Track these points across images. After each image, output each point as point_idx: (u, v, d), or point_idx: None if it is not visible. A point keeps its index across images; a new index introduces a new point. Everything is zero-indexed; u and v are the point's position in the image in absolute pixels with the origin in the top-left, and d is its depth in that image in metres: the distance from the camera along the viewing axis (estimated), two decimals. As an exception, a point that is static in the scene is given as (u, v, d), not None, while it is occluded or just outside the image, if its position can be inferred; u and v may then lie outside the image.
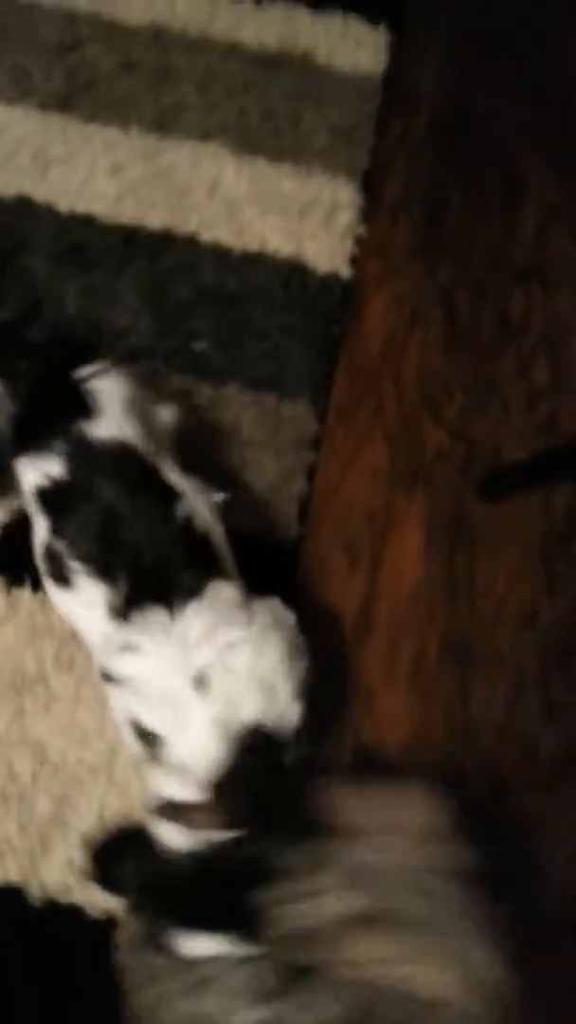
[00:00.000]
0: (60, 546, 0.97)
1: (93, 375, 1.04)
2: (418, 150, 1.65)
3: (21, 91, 1.68)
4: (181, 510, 0.97)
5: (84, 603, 0.96)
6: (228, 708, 0.90)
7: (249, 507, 1.28)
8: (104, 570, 0.94)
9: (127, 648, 0.93)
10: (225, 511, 1.19)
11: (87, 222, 1.52)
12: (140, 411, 1.05)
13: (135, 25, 1.77)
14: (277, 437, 1.33)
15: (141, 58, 1.74)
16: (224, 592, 0.95)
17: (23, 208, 1.53)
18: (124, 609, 0.93)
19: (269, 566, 1.24)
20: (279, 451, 1.32)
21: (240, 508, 1.26)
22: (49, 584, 1.03)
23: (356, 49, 1.74)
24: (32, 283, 1.46)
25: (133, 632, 0.92)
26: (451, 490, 1.37)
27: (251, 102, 1.69)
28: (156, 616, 0.92)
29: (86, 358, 1.07)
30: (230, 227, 1.52)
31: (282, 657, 0.94)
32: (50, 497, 0.98)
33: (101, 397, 1.02)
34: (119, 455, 0.98)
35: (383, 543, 1.32)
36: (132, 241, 1.50)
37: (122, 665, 0.94)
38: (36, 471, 0.98)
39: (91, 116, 1.66)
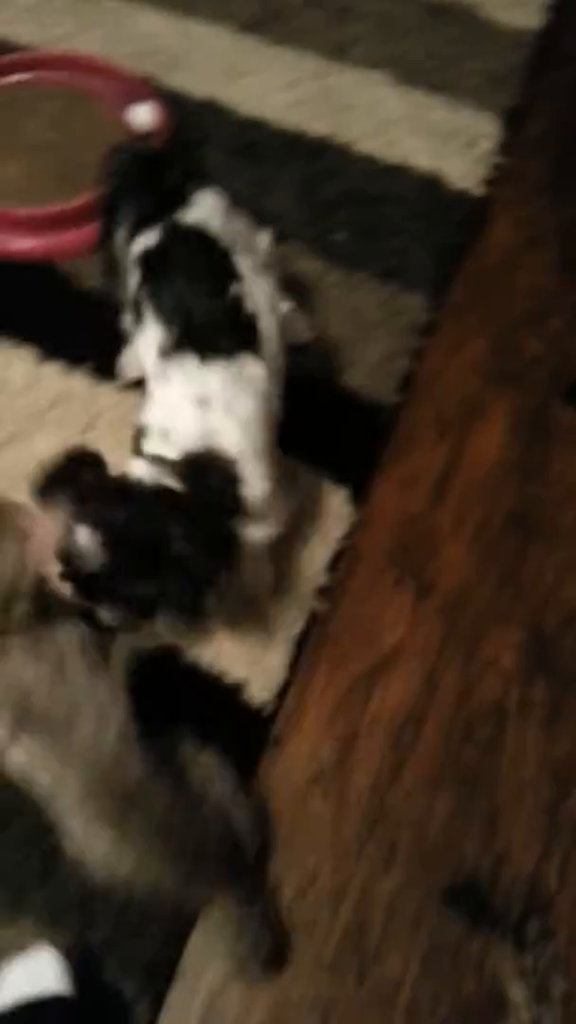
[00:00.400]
0: (142, 295, 1.15)
1: (201, 184, 1.21)
2: (561, 100, 1.74)
3: (221, 15, 1.85)
4: (233, 291, 1.12)
5: (146, 340, 1.14)
6: (213, 432, 1.06)
7: (359, 373, 1.41)
8: (165, 319, 1.12)
9: (163, 378, 1.10)
10: (337, 370, 1.34)
11: (260, 125, 1.69)
12: (232, 221, 1.21)
13: (326, -32, 1.92)
14: (393, 320, 1.46)
15: (326, -3, 1.88)
16: (249, 367, 1.11)
17: (211, 109, 1.72)
18: (170, 351, 1.11)
19: (366, 425, 1.38)
20: (392, 332, 1.45)
21: (351, 372, 1.41)
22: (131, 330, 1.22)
23: (517, 6, 1.84)
24: (208, 171, 1.61)
25: (170, 367, 1.10)
26: (540, 392, 1.47)
27: (417, 43, 1.82)
28: (189, 361, 1.09)
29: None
30: (381, 141, 1.65)
31: (268, 437, 1.10)
32: (145, 260, 1.17)
33: (201, 199, 1.19)
34: (198, 236, 1.15)
35: (470, 425, 1.43)
36: (295, 144, 1.66)
37: (156, 389, 1.11)
38: (143, 242, 1.17)
39: (277, 40, 1.82)
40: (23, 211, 1.54)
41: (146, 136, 1.55)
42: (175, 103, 1.69)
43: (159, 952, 1.04)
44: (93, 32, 1.83)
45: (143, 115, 1.66)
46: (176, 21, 1.86)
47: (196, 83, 1.75)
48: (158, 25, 1.86)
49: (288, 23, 1.86)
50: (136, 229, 1.18)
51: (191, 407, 1.06)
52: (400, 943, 1.06)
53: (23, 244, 1.54)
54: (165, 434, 1.06)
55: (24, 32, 1.83)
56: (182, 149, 1.27)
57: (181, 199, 1.18)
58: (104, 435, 1.34)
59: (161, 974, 1.04)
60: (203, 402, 1.07)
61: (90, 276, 1.49)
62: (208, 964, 1.05)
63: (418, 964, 1.05)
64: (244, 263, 1.16)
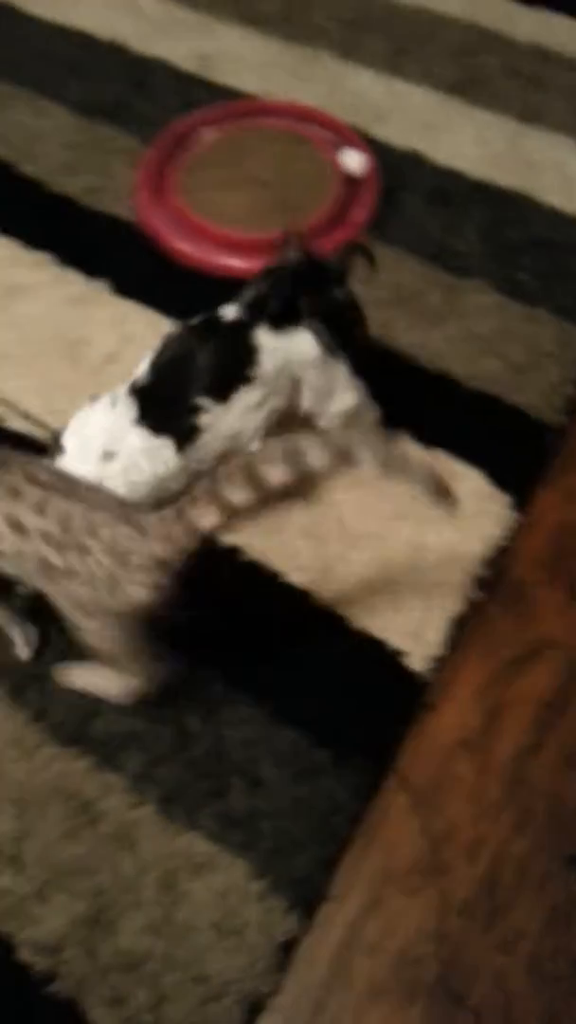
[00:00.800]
0: (171, 330, 1.27)
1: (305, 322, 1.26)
2: None
3: (426, 77, 2.02)
4: (202, 405, 1.22)
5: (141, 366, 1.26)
6: (105, 480, 1.19)
7: (530, 395, 1.52)
8: (152, 365, 1.24)
9: (116, 401, 1.24)
10: (510, 390, 1.45)
11: (454, 175, 1.84)
12: (300, 370, 1.26)
13: (523, 41, 2.07)
14: (566, 352, 1.57)
15: (522, 67, 2.03)
16: (164, 452, 1.23)
17: (411, 158, 1.89)
18: (130, 389, 1.24)
19: (533, 441, 1.48)
20: (564, 363, 1.56)
21: (523, 393, 1.52)
22: None
23: None
24: (405, 212, 1.77)
25: (121, 399, 1.23)
26: None
27: (604, 112, 1.93)
28: (131, 410, 1.22)
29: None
30: (565, 196, 1.78)
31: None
32: (207, 319, 1.26)
33: (299, 338, 1.25)
34: (248, 353, 1.23)
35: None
36: (485, 194, 1.81)
37: (106, 404, 1.24)
38: (228, 309, 1.27)
39: (474, 102, 1.98)
40: (239, 235, 1.72)
41: (352, 180, 1.72)
42: (380, 151, 1.85)
43: (311, 874, 1.15)
44: (310, 86, 2.02)
45: (352, 160, 1.82)
46: (385, 80, 2.04)
47: (399, 135, 1.91)
48: (368, 83, 2.04)
49: (486, 88, 2.01)
50: (244, 301, 1.27)
51: (96, 457, 1.20)
52: (527, 899, 1.13)
53: (235, 262, 1.72)
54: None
55: (251, 83, 2.03)
56: (332, 280, 1.31)
57: (293, 319, 1.25)
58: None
59: (310, 895, 1.14)
60: (108, 455, 1.20)
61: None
62: (353, 892, 1.15)
63: (541, 920, 1.12)
64: (245, 398, 1.24)
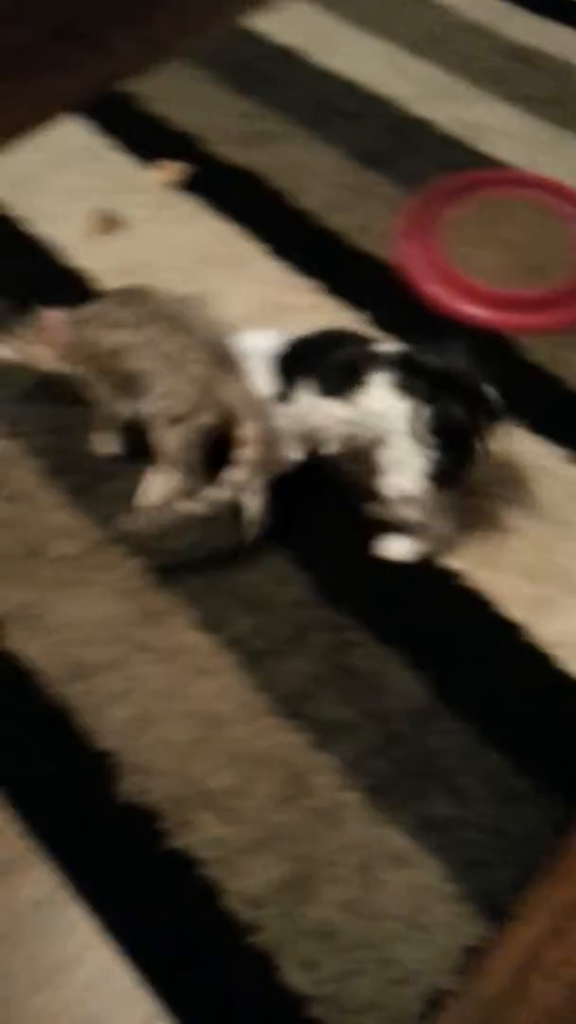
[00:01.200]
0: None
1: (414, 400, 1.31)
2: None
3: None
4: (302, 398, 1.39)
5: None
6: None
7: None
8: (301, 339, 1.46)
9: (273, 341, 1.47)
10: None
11: None
12: (396, 441, 1.33)
13: None
14: None
15: None
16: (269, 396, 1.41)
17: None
18: (287, 342, 1.46)
19: None
20: None
21: None
22: None
23: None
24: None
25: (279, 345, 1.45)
26: None
27: None
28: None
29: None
30: None
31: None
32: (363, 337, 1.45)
33: (401, 406, 1.31)
34: (350, 388, 1.35)
35: None
36: None
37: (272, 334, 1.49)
38: (385, 346, 1.39)
39: None
40: (486, 288, 1.81)
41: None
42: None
43: (502, 891, 1.18)
44: (566, 165, 2.11)
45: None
46: None
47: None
48: (622, 171, 2.11)
49: None
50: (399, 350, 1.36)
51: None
52: None
53: (476, 311, 1.81)
54: None
55: (510, 154, 2.13)
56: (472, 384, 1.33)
57: (410, 392, 1.30)
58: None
59: (498, 910, 1.17)
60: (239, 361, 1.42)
61: (536, 350, 1.72)
62: (539, 917, 1.18)
63: None
64: (335, 411, 1.36)
